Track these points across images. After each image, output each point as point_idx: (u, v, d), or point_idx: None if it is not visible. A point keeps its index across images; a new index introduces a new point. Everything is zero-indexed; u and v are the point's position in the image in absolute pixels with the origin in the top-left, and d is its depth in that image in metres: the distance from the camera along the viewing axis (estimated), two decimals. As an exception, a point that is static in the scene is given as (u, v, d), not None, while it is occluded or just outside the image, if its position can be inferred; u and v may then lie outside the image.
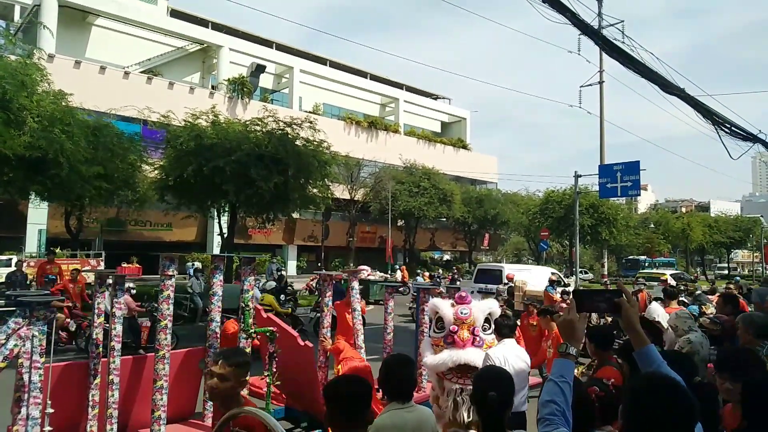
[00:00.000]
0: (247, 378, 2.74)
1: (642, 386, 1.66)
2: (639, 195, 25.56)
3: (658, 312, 6.99)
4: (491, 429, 2.24)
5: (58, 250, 19.37)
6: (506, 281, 16.71)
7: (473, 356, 3.41)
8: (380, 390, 2.97)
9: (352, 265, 32.13)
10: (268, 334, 6.11)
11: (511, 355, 4.15)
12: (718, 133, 9.75)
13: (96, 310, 4.78)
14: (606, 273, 29.56)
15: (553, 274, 18.15)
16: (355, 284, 6.09)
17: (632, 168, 21.14)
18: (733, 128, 9.96)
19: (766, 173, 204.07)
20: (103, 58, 31.29)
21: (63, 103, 15.25)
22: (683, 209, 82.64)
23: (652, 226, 46.60)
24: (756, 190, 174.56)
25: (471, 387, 2.67)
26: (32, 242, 25.68)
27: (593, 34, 8.13)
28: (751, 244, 55.23)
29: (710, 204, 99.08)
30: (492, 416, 2.25)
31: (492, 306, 3.87)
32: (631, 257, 45.66)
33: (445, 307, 3.76)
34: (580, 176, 24.98)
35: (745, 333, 3.92)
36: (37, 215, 24.99)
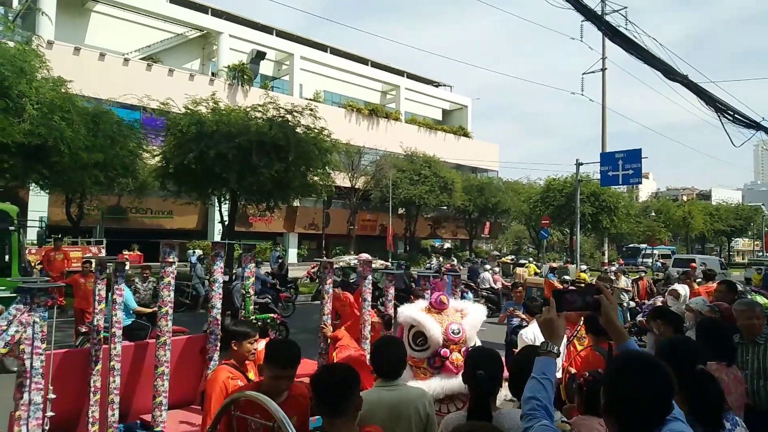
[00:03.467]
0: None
1: (619, 365, 1.74)
2: (640, 183, 25.46)
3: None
4: (478, 406, 2.30)
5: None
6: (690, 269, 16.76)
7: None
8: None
9: (353, 253, 32.18)
10: (268, 320, 6.12)
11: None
12: (720, 120, 9.66)
13: (97, 297, 4.80)
14: (607, 261, 29.55)
15: (719, 261, 23.08)
16: (369, 275, 6.09)
17: (634, 156, 21.08)
18: (736, 115, 9.87)
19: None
20: (102, 44, 31.03)
21: (62, 90, 15.17)
22: (684, 197, 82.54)
23: (653, 214, 46.57)
24: (758, 179, 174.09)
25: (455, 412, 2.70)
26: (33, 230, 25.68)
27: (596, 19, 8.04)
28: (752, 232, 55.21)
29: (711, 192, 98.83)
30: (480, 394, 2.29)
31: (483, 317, 3.68)
32: (631, 245, 45.68)
33: (430, 324, 3.35)
34: (582, 164, 24.92)
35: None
36: (38, 203, 24.95)
